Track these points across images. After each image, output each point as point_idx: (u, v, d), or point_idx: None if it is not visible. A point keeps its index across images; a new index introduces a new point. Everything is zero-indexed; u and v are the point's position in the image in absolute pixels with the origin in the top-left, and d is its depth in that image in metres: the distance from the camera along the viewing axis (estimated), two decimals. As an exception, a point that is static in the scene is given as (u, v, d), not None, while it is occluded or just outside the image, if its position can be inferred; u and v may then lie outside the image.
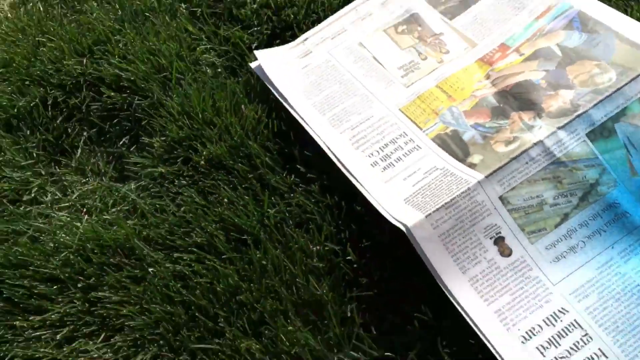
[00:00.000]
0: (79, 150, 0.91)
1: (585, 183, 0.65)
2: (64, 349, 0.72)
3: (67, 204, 0.84)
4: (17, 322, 0.73)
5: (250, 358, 0.67)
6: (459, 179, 0.67)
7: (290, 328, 0.67)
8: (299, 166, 0.77)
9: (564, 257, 0.64)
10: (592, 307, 0.61)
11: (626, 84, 0.66)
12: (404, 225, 0.65)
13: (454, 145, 0.71)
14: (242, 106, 0.83)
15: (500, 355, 0.60)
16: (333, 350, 0.67)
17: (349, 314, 0.69)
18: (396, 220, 0.66)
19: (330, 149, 0.74)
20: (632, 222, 0.64)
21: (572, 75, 0.71)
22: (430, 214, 0.64)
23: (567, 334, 0.60)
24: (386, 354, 0.66)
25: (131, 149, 0.88)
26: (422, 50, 0.81)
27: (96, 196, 0.84)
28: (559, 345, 0.60)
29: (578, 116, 0.66)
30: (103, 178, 0.87)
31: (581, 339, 0.60)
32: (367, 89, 0.79)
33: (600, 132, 0.66)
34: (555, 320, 0.61)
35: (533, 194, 0.65)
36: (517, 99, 0.72)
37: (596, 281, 0.62)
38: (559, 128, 0.66)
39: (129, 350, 0.70)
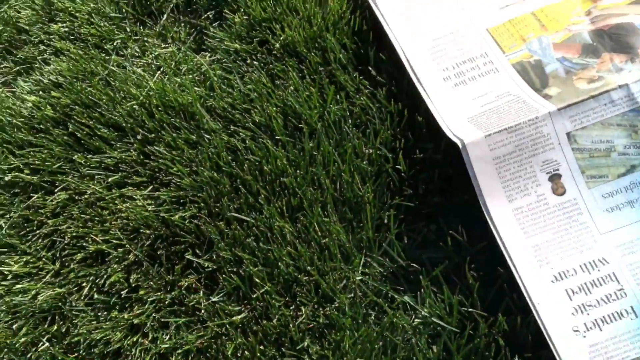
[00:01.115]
0: (165, 16, 0.92)
1: (663, 139, 0.61)
2: (113, 192, 0.75)
3: (144, 62, 0.86)
4: (76, 157, 0.77)
5: (281, 238, 0.68)
6: (529, 106, 0.64)
7: (325, 219, 0.68)
8: (370, 68, 0.76)
9: (620, 209, 0.60)
10: (636, 264, 0.58)
11: None
12: (461, 141, 0.63)
13: (534, 75, 0.67)
14: (329, -2, 0.82)
15: (526, 289, 0.58)
16: (362, 251, 0.67)
17: (385, 221, 0.68)
18: (454, 135, 0.64)
19: (405, 55, 0.72)
20: (703, 190, 0.59)
21: (681, 26, 0.65)
22: (490, 134, 0.62)
23: (601, 285, 0.58)
24: (412, 264, 0.65)
25: (213, 24, 0.89)
26: (527, -26, 0.76)
27: (172, 61, 0.85)
28: (590, 293, 0.57)
29: (675, 68, 0.61)
30: (182, 47, 0.88)
31: (615, 292, 0.57)
32: (459, 3, 0.75)
33: (695, 90, 0.61)
34: (593, 269, 0.58)
35: (603, 138, 0.61)
36: (614, 40, 0.67)
37: (648, 240, 0.59)
38: (650, 76, 0.62)
39: (170, 205, 0.73)
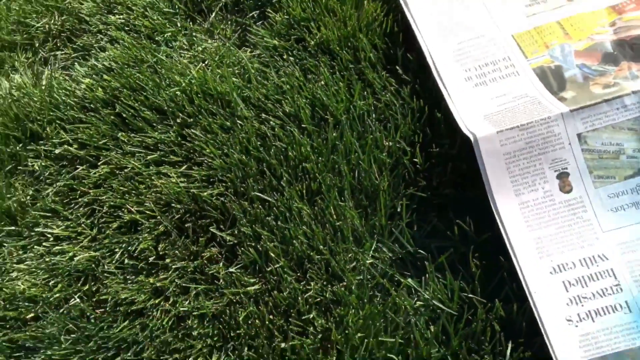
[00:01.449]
0: (213, 14, 0.98)
1: (672, 144, 0.62)
2: (150, 169, 0.81)
3: (190, 54, 0.92)
4: (120, 135, 0.84)
5: (299, 218, 0.72)
6: (544, 107, 0.66)
7: (341, 204, 0.72)
8: (397, 67, 0.80)
9: (624, 209, 0.62)
10: (635, 262, 0.59)
11: None
12: (473, 136, 0.66)
13: (552, 79, 0.70)
14: (365, 1, 0.86)
15: (524, 278, 0.61)
16: (374, 236, 0.71)
17: (398, 209, 0.72)
18: (468, 129, 0.67)
19: (431, 56, 0.76)
20: None
21: (700, 39, 0.67)
22: (502, 130, 0.65)
23: (598, 279, 0.59)
24: (420, 251, 0.68)
25: (257, 23, 0.95)
26: (556, -15, 0.79)
27: (216, 55, 0.91)
28: (586, 286, 0.59)
29: (689, 77, 0.63)
30: (226, 42, 0.94)
31: (611, 287, 0.59)
32: (488, 9, 0.79)
33: None
34: (592, 264, 0.60)
35: (613, 141, 0.63)
36: (634, 49, 0.69)
37: (649, 241, 0.60)
38: (664, 83, 0.63)
39: (200, 183, 0.78)
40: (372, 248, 0.70)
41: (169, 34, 0.96)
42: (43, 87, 0.96)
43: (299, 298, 0.67)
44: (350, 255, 0.70)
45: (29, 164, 0.87)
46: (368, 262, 0.69)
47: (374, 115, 0.78)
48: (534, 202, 0.63)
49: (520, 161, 0.64)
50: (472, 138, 0.66)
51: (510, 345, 0.60)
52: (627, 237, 0.61)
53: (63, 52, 1.02)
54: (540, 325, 0.58)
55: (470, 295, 0.64)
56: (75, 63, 0.98)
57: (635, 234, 0.61)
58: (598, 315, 0.58)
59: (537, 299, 0.59)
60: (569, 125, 0.64)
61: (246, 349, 0.67)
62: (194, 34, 0.96)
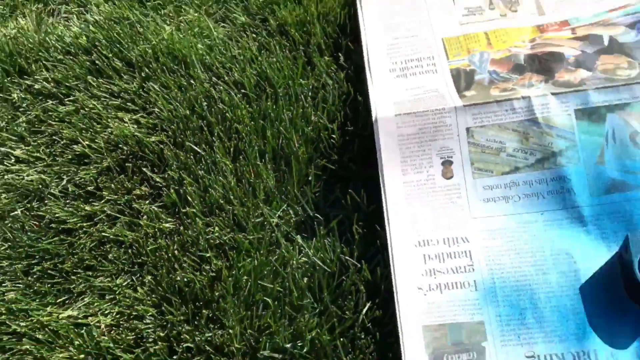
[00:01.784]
0: (204, -10, 1.07)
1: (548, 149, 0.68)
2: (109, 112, 0.90)
3: (175, 22, 1.01)
4: (89, 79, 0.94)
5: (222, 173, 0.80)
6: (444, 101, 0.72)
7: (260, 164, 0.79)
8: (340, 54, 0.87)
9: (495, 201, 0.68)
10: (492, 248, 0.65)
11: (640, 84, 0.67)
12: (375, 115, 0.73)
13: (463, 79, 0.76)
14: (328, -6, 0.94)
15: (391, 246, 0.67)
16: (282, 197, 0.78)
17: (309, 178, 0.79)
18: (375, 111, 0.74)
19: (367, 47, 0.83)
20: (572, 201, 0.66)
21: (600, 62, 0.72)
22: (400, 114, 0.72)
23: (455, 257, 0.65)
24: (317, 216, 0.75)
25: (240, 4, 1.03)
26: (495, 0, 0.85)
27: (196, 26, 1.00)
28: (443, 261, 0.65)
29: (576, 91, 0.68)
30: (207, 18, 1.03)
31: (465, 266, 0.65)
32: (429, 14, 0.85)
33: (589, 114, 0.68)
34: (453, 243, 0.66)
35: (497, 139, 0.69)
36: (541, 63, 0.75)
37: (510, 232, 0.66)
38: (552, 93, 0.69)
39: (149, 124, 0.87)
40: (281, 209, 0.77)
41: (160, 1, 1.05)
42: (43, 34, 1.06)
43: (201, 238, 0.75)
44: (259, 211, 0.77)
45: (11, 94, 0.98)
46: (274, 221, 0.76)
47: (310, 93, 0.85)
48: (417, 182, 0.70)
49: (412, 144, 0.71)
50: (374, 118, 0.73)
51: (368, 305, 0.67)
52: (491, 226, 0.67)
53: (69, 6, 1.12)
54: (394, 288, 0.65)
55: (347, 258, 0.70)
56: (74, 16, 1.09)
57: (500, 224, 0.67)
58: (447, 289, 0.64)
59: (397, 265, 0.65)
60: (460, 119, 0.70)
61: (149, 277, 0.75)
62: (183, 6, 1.05)
